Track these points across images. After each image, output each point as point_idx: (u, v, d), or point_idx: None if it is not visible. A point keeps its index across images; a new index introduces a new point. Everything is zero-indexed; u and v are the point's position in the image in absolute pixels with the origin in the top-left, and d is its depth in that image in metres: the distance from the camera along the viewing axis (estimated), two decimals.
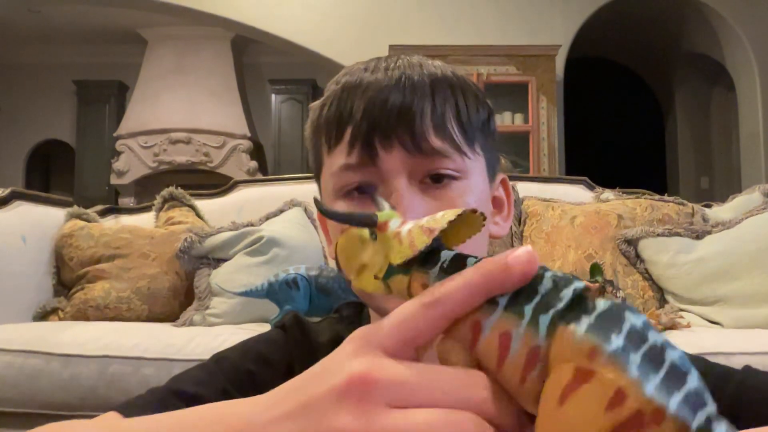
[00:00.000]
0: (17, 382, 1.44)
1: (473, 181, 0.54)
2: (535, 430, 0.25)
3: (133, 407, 0.51)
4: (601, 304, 0.26)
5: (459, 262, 0.29)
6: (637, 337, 0.24)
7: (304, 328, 0.62)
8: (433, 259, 0.30)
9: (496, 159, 0.59)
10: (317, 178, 0.59)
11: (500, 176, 0.61)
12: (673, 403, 0.23)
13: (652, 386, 0.23)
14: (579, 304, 0.26)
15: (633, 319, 0.25)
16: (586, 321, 0.25)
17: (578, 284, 0.26)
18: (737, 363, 1.47)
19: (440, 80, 0.54)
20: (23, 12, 6.28)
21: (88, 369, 1.43)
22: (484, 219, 0.33)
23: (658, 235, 1.81)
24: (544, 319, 0.25)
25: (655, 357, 0.24)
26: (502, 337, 0.26)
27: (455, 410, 0.25)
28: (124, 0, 5.12)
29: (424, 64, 0.55)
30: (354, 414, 0.25)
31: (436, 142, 0.52)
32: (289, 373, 0.55)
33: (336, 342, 0.56)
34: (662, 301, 1.82)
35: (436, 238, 0.31)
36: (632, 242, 1.83)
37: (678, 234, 1.82)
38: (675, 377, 0.24)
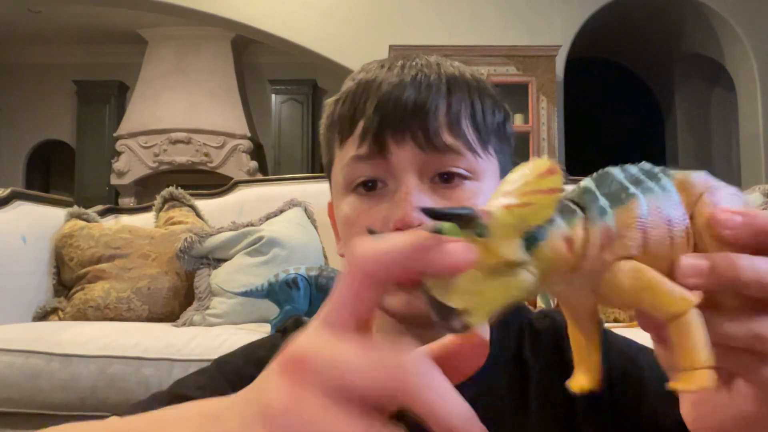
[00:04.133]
0: (17, 382, 1.44)
1: (485, 183, 0.53)
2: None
3: (135, 412, 0.51)
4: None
5: (616, 191, 0.30)
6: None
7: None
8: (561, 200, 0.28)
9: (511, 163, 0.58)
10: (328, 175, 0.58)
11: None
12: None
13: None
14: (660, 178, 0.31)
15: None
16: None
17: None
18: None
19: (457, 80, 0.54)
20: (23, 12, 6.28)
21: (88, 369, 1.43)
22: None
23: None
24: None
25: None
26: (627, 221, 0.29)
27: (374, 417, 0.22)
28: (124, 0, 5.12)
29: (442, 64, 0.55)
30: (284, 391, 0.23)
31: (448, 138, 0.51)
32: None
33: None
34: None
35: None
36: None
37: None
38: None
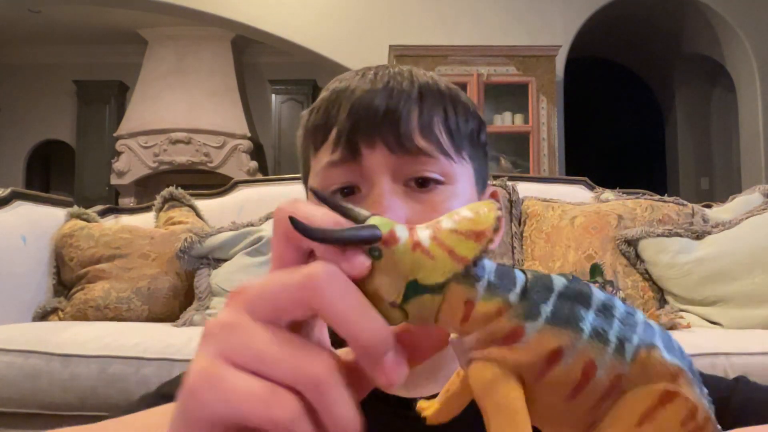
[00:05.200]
0: (17, 382, 1.44)
1: (459, 187, 0.53)
2: None
3: (126, 414, 0.51)
4: (655, 324, 0.27)
5: (509, 275, 0.26)
6: (682, 353, 0.27)
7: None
8: (476, 270, 0.26)
9: (486, 171, 0.58)
10: (305, 183, 0.58)
11: (491, 189, 0.60)
12: (708, 404, 0.26)
13: (705, 399, 0.26)
14: (648, 327, 0.27)
15: (671, 335, 0.27)
16: (660, 344, 0.26)
17: (639, 312, 0.27)
18: (737, 363, 1.47)
19: (429, 88, 0.54)
20: (23, 12, 6.28)
21: (88, 369, 1.43)
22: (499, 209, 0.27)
23: (658, 235, 1.81)
24: (630, 346, 0.25)
25: (694, 370, 0.27)
26: (586, 366, 0.25)
27: (281, 390, 0.24)
28: (124, 0, 5.12)
29: (415, 74, 0.55)
30: (222, 314, 0.26)
31: (421, 142, 0.51)
32: None
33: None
34: (662, 302, 1.82)
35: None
36: (632, 243, 1.83)
37: (678, 234, 1.82)
38: (700, 382, 0.27)
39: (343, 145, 0.51)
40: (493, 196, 0.61)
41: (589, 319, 0.25)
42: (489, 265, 0.26)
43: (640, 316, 0.27)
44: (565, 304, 0.26)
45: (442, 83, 0.55)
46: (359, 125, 0.51)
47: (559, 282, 0.26)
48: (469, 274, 0.25)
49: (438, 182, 0.52)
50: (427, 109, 0.52)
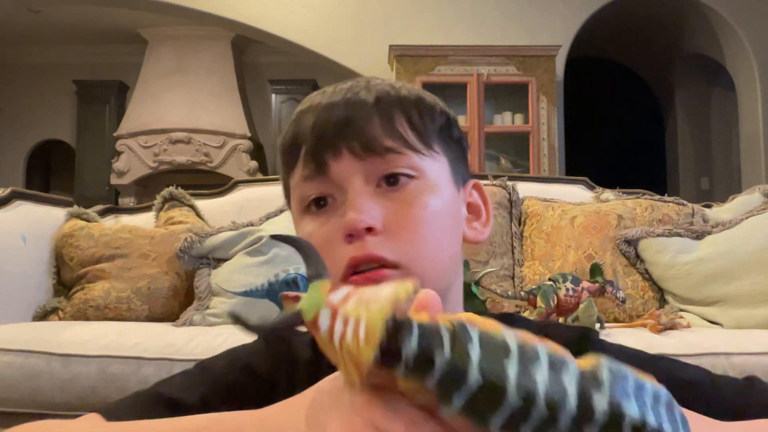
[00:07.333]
0: (17, 382, 1.43)
1: (431, 180, 0.53)
2: None
3: (116, 410, 0.51)
4: (600, 409, 0.26)
5: (426, 360, 0.27)
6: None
7: (285, 341, 0.60)
8: (395, 351, 0.27)
9: (464, 164, 0.58)
10: (289, 205, 0.60)
11: (472, 182, 0.60)
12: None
13: None
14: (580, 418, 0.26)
15: (630, 410, 0.26)
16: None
17: (572, 393, 0.26)
18: (737, 363, 1.47)
19: (388, 94, 0.54)
20: (23, 12, 6.28)
21: (88, 369, 1.43)
22: (413, 284, 0.30)
23: (658, 235, 1.81)
24: None
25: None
26: None
27: None
28: (124, 0, 5.12)
29: (373, 83, 0.55)
30: None
31: (386, 141, 0.52)
32: (273, 386, 0.55)
33: (314, 362, 0.56)
34: (662, 302, 1.82)
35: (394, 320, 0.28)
36: (632, 242, 1.83)
37: (678, 234, 1.82)
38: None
39: (310, 160, 0.53)
40: (477, 188, 0.61)
41: (498, 417, 0.26)
42: (409, 347, 0.27)
43: (566, 420, 0.26)
44: (481, 399, 0.26)
45: (403, 90, 0.55)
46: (322, 138, 0.52)
47: (474, 372, 0.26)
48: (381, 364, 0.27)
49: (409, 176, 0.52)
50: (386, 112, 0.53)
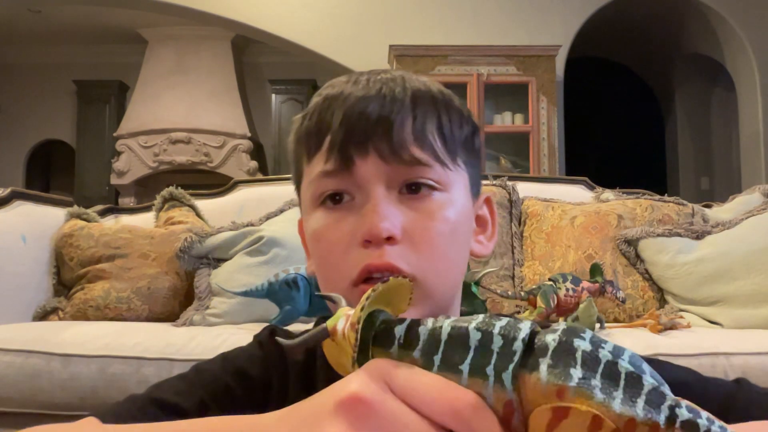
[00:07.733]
0: (17, 382, 1.43)
1: (454, 194, 0.52)
2: None
3: (112, 414, 0.50)
4: (550, 339, 0.29)
5: (412, 331, 0.32)
6: (591, 361, 0.28)
7: (279, 345, 0.60)
8: (390, 336, 0.33)
9: (480, 177, 0.58)
10: (298, 190, 0.58)
11: (484, 195, 0.60)
12: (639, 409, 0.27)
13: (618, 402, 0.27)
14: (532, 349, 0.29)
15: (582, 344, 0.28)
16: (544, 364, 0.28)
17: (525, 330, 0.30)
18: (737, 363, 1.46)
19: (423, 94, 0.53)
20: (23, 12, 6.28)
21: (88, 369, 1.43)
22: (411, 282, 0.35)
23: (658, 235, 1.81)
24: (507, 375, 0.29)
25: (611, 373, 0.28)
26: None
27: None
28: (124, 0, 5.12)
29: (407, 79, 0.54)
30: (343, 428, 0.28)
31: (415, 151, 0.51)
32: (267, 389, 0.55)
33: (310, 359, 0.56)
34: (662, 302, 1.82)
35: (384, 317, 0.33)
36: (632, 242, 1.83)
37: (678, 234, 1.82)
38: (633, 384, 0.27)
39: (336, 155, 0.51)
40: (487, 202, 0.60)
41: (467, 360, 0.29)
42: (399, 330, 0.33)
43: (518, 344, 0.29)
44: (451, 351, 0.31)
45: (434, 88, 0.55)
46: (352, 134, 0.51)
47: (445, 331, 0.31)
48: (385, 338, 0.33)
49: (433, 188, 0.51)
50: (421, 115, 0.52)
